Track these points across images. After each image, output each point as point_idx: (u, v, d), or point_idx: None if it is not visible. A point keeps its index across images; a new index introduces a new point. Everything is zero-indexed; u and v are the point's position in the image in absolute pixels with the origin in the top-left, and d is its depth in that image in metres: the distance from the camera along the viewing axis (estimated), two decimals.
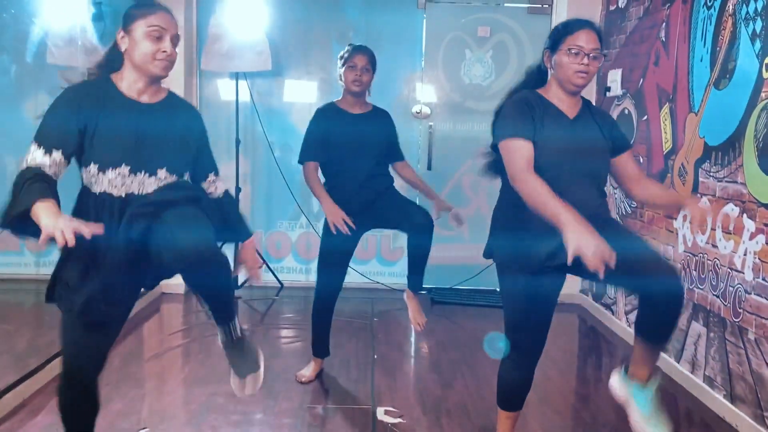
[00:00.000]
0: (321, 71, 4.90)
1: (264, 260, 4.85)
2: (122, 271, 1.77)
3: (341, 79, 2.94)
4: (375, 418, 2.75)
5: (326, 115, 2.97)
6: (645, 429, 1.97)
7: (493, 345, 2.26)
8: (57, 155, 1.76)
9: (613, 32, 4.25)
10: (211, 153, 2.05)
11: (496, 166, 2.13)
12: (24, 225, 1.66)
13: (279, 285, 4.90)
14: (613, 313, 4.14)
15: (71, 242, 1.51)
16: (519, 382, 2.22)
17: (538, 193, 1.88)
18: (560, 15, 4.63)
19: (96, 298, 1.80)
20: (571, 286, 4.66)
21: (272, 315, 4.39)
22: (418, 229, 2.95)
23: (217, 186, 2.04)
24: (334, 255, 2.99)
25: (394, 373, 3.31)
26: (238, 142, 4.57)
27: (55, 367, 3.11)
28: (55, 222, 1.55)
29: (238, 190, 4.60)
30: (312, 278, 4.94)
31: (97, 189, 1.81)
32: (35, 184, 1.68)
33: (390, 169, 3.14)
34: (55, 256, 4.81)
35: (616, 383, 2.08)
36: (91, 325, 1.87)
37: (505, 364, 2.23)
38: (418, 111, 4.86)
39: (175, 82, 4.54)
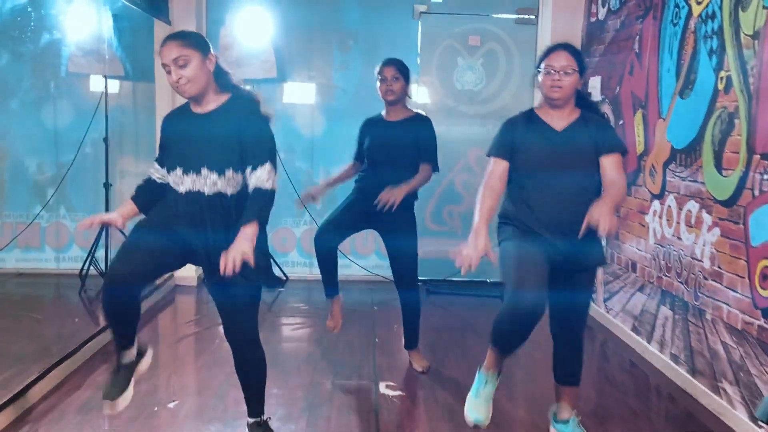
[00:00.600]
0: (322, 77, 5.23)
1: (269, 254, 5.18)
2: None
3: (379, 94, 3.22)
4: (377, 391, 3.10)
5: (367, 123, 3.34)
6: None
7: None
8: (156, 166, 2.34)
9: (594, 42, 4.60)
10: (260, 147, 2.17)
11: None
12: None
13: (285, 278, 5.23)
14: (593, 301, 4.49)
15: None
16: (512, 333, 2.27)
17: (478, 205, 2.37)
18: (545, 26, 4.98)
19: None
20: None
21: (279, 305, 4.72)
22: (408, 303, 3.32)
23: (252, 180, 2.15)
24: (342, 211, 3.26)
25: (393, 353, 3.66)
26: None
27: (89, 350, 3.46)
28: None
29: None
30: (315, 272, 5.23)
31: (172, 187, 2.24)
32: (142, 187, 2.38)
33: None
34: (73, 252, 5.14)
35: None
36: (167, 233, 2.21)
37: (502, 315, 2.26)
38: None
39: None
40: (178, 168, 2.19)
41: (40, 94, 5.02)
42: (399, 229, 3.26)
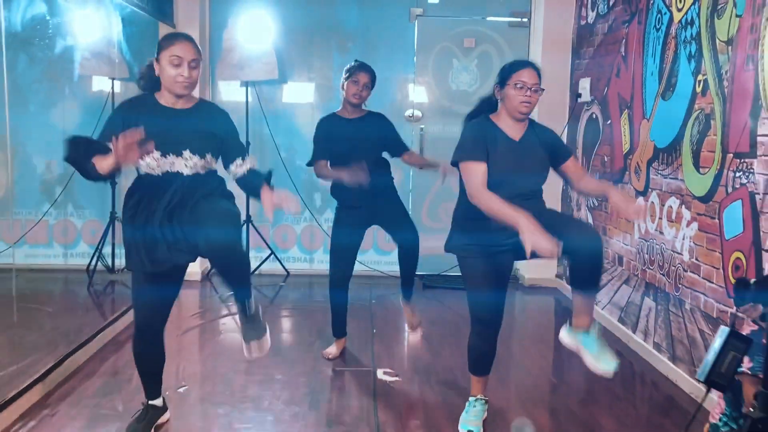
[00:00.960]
0: (322, 78, 5.40)
1: (272, 250, 5.37)
2: (167, 244, 2.34)
3: (343, 89, 3.36)
4: (375, 377, 3.28)
5: (328, 123, 3.44)
6: (597, 365, 2.47)
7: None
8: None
9: (584, 44, 4.78)
10: (240, 143, 2.53)
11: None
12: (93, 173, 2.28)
13: (285, 273, 5.41)
14: None
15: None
16: (484, 350, 2.70)
17: (496, 205, 2.36)
18: (537, 28, 5.16)
19: (160, 257, 2.35)
20: (548, 272, 5.21)
21: (280, 299, 4.89)
22: (407, 245, 3.52)
23: (243, 167, 2.48)
24: (343, 247, 3.43)
25: (390, 343, 3.84)
26: (247, 144, 5.07)
27: (101, 341, 3.63)
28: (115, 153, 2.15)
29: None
30: (314, 267, 5.47)
31: (142, 171, 2.39)
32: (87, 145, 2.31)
33: (401, 160, 3.56)
34: (81, 248, 5.34)
35: (566, 337, 2.58)
36: (157, 280, 2.40)
37: (472, 337, 2.72)
38: (411, 114, 5.37)
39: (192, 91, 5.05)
40: (156, 152, 2.32)
41: (50, 96, 5.18)
42: (393, 213, 3.51)
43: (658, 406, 3.13)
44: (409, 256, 3.56)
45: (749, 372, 1.84)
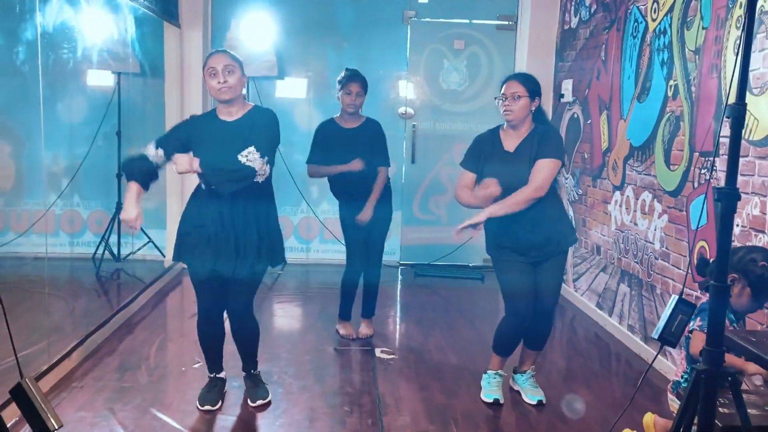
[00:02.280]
0: (319, 76, 5.66)
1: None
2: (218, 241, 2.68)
3: (338, 100, 3.65)
4: (374, 355, 3.57)
5: (326, 129, 3.71)
6: (524, 397, 3.07)
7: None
8: (160, 152, 2.68)
9: (567, 48, 5.08)
10: (262, 135, 2.65)
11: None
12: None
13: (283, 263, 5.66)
14: (564, 282, 4.99)
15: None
16: (510, 337, 3.02)
17: (469, 201, 2.89)
18: (523, 32, 5.45)
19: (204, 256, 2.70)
20: None
21: (278, 287, 5.15)
22: (371, 266, 3.79)
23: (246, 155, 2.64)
24: (355, 243, 3.74)
25: (386, 326, 4.13)
26: None
27: (116, 323, 3.88)
28: (128, 213, 2.62)
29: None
30: (311, 256, 5.75)
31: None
32: (137, 163, 2.66)
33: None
34: (86, 237, 5.58)
35: (512, 384, 3.15)
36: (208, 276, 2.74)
37: (503, 324, 3.01)
38: (403, 112, 5.65)
39: (195, 87, 5.29)
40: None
41: (58, 91, 5.38)
42: (380, 222, 3.74)
43: (631, 381, 3.45)
44: (372, 288, 3.87)
45: (698, 329, 2.17)
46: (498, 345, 3.06)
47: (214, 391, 2.90)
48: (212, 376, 2.95)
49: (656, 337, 1.62)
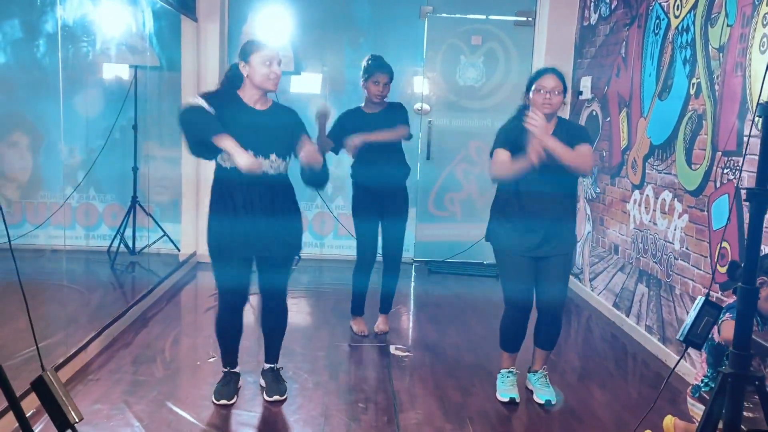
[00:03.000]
0: (334, 71, 5.64)
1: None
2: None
3: (364, 89, 3.59)
4: (389, 353, 3.55)
5: (350, 114, 3.65)
6: (535, 397, 3.03)
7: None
8: (211, 110, 2.60)
9: (586, 45, 5.03)
10: (305, 133, 2.80)
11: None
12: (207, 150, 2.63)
13: (297, 257, 5.66)
14: (580, 281, 4.95)
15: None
16: (514, 332, 3.01)
17: (506, 165, 2.78)
18: (542, 28, 5.40)
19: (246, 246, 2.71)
20: None
21: (293, 282, 5.12)
22: (391, 262, 3.75)
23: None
24: (366, 236, 3.72)
25: (400, 322, 4.11)
26: None
27: (131, 316, 3.89)
28: (247, 160, 2.53)
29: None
30: (325, 252, 5.74)
31: (228, 165, 2.65)
32: (209, 117, 2.56)
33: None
34: (102, 230, 5.63)
35: (527, 383, 3.11)
36: (238, 265, 2.75)
37: (504, 320, 3.02)
38: (419, 108, 5.62)
39: (211, 80, 5.29)
40: (249, 150, 2.59)
41: (74, 84, 5.41)
42: (398, 212, 3.71)
43: (648, 381, 3.41)
44: (390, 286, 3.82)
45: (729, 318, 2.09)
46: (502, 341, 3.06)
47: (230, 386, 2.90)
48: (227, 370, 2.95)
49: (681, 339, 1.59)
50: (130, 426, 2.63)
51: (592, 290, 4.69)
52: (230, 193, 2.68)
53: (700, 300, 1.62)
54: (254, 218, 2.67)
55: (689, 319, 1.61)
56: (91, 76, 5.35)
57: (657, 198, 3.75)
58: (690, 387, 2.44)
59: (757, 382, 1.55)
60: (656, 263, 3.74)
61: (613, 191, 4.38)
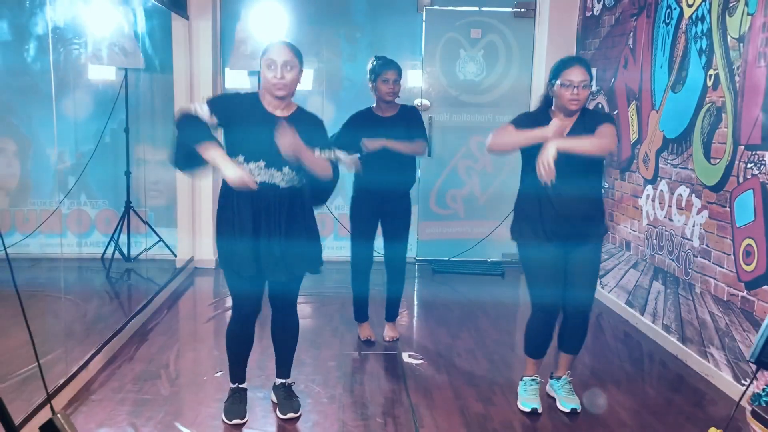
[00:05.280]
0: (331, 67, 5.48)
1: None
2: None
3: (373, 89, 3.44)
4: (401, 360, 3.43)
5: (362, 116, 3.50)
6: (558, 404, 2.93)
7: None
8: (214, 118, 2.43)
9: (589, 36, 4.91)
10: (327, 143, 2.59)
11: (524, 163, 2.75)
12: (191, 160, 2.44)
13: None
14: None
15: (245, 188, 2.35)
16: (541, 336, 2.87)
17: (513, 136, 2.64)
18: (543, 19, 5.28)
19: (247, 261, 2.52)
20: None
21: (304, 284, 5.00)
22: (395, 269, 3.64)
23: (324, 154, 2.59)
24: (363, 240, 3.60)
25: (412, 327, 3.99)
26: None
27: (131, 329, 3.74)
28: (235, 172, 2.32)
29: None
30: (325, 254, 5.57)
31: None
32: (198, 124, 2.37)
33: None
34: (95, 237, 5.44)
35: (548, 389, 3.03)
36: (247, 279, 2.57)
37: (531, 321, 2.88)
38: (419, 104, 5.48)
39: (204, 80, 5.12)
40: (261, 160, 2.45)
41: (63, 87, 5.22)
42: (397, 232, 3.59)
43: (669, 383, 3.31)
44: (396, 292, 3.70)
45: None
46: (528, 346, 2.94)
47: (241, 404, 2.77)
48: (235, 386, 2.81)
49: (753, 360, 1.47)
50: None
51: (602, 287, 4.59)
52: (237, 207, 2.49)
53: None
54: (262, 236, 2.49)
55: (760, 337, 1.49)
56: (79, 79, 5.16)
57: (672, 193, 3.64)
58: (749, 396, 2.31)
59: None
60: (673, 260, 3.64)
61: (624, 186, 4.27)
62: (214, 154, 2.34)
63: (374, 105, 3.53)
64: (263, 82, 2.50)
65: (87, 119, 5.25)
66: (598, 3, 4.75)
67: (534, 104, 5.22)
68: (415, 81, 5.52)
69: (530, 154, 2.61)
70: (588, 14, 4.95)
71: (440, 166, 5.54)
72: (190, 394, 3.00)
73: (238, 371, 2.81)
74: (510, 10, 5.44)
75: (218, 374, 3.19)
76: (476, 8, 5.45)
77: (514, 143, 2.66)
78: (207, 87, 5.11)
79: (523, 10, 5.42)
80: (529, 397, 2.90)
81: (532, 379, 2.94)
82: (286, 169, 2.49)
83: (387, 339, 3.68)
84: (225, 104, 2.51)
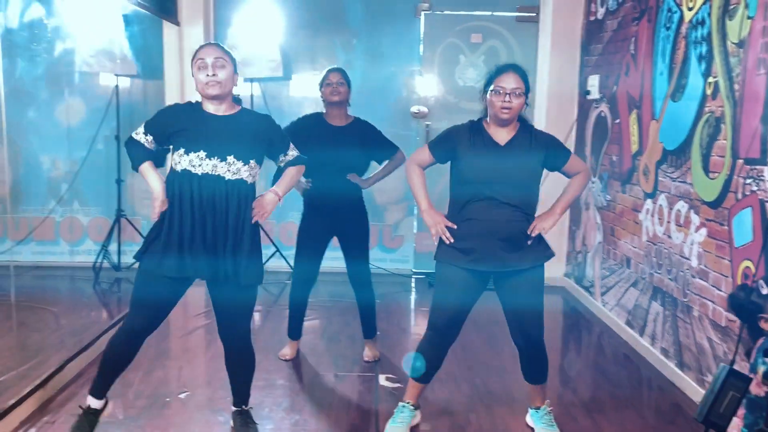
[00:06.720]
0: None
1: (277, 247, 5.34)
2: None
3: (322, 97, 3.33)
4: (377, 383, 3.25)
5: (309, 122, 3.35)
6: None
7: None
8: (149, 137, 2.48)
9: (593, 41, 4.69)
10: (284, 139, 2.61)
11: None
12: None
13: (290, 270, 5.37)
14: (591, 295, 4.62)
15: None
16: (430, 359, 2.64)
17: (413, 180, 2.65)
18: (546, 24, 5.07)
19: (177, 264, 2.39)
20: (557, 270, 5.15)
21: (285, 297, 4.85)
22: (360, 284, 3.46)
23: (289, 156, 2.64)
24: (309, 258, 3.41)
25: (393, 346, 3.80)
26: None
27: (102, 343, 3.61)
28: (155, 186, 2.42)
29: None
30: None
31: (179, 167, 2.39)
32: (139, 147, 2.49)
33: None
34: (86, 245, 5.34)
35: (528, 419, 2.82)
36: (165, 281, 2.41)
37: (423, 342, 2.67)
38: (417, 111, 5.31)
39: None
40: (201, 150, 2.36)
41: (54, 94, 5.17)
42: (356, 238, 3.41)
43: (664, 414, 3.09)
44: (362, 290, 3.49)
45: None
46: (412, 366, 2.67)
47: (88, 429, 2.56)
48: (86, 407, 2.60)
49: (701, 420, 1.27)
50: None
51: (604, 305, 4.36)
52: (179, 198, 2.38)
53: (723, 369, 1.30)
54: (199, 233, 2.36)
55: (709, 395, 1.28)
56: (70, 86, 5.11)
57: (671, 209, 3.41)
58: None
59: None
60: (672, 280, 3.40)
61: (624, 199, 4.04)
62: (144, 171, 2.48)
63: (324, 112, 3.38)
64: (197, 86, 2.41)
65: (79, 126, 5.19)
66: (602, 7, 4.53)
67: (536, 111, 5.07)
68: (412, 88, 5.35)
69: (476, 164, 2.51)
70: (592, 18, 4.73)
71: (438, 175, 5.33)
72: (148, 417, 2.86)
73: (101, 384, 2.61)
74: (513, 14, 5.24)
75: (182, 395, 3.05)
76: (477, 12, 5.26)
77: (411, 187, 2.67)
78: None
79: (526, 14, 5.21)
80: (396, 425, 2.68)
81: (408, 405, 2.72)
82: (231, 159, 2.38)
83: (366, 359, 3.51)
84: (162, 119, 2.47)
